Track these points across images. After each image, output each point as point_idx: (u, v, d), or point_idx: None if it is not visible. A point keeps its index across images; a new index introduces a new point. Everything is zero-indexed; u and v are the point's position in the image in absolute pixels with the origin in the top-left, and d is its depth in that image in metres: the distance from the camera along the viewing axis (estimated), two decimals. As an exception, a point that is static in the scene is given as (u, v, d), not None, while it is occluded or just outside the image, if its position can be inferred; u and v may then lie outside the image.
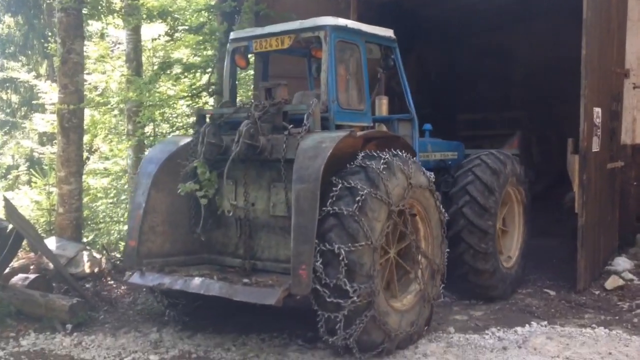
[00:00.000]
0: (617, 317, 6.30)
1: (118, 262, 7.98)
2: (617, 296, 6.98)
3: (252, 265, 5.59)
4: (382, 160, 5.18)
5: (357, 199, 4.91)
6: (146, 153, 6.23)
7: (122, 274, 7.16)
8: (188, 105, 11.15)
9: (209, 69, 9.95)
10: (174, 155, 5.84)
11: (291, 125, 5.43)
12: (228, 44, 6.38)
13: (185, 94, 10.60)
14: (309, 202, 4.76)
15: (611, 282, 7.20)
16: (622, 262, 7.68)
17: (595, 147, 7.27)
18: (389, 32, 6.39)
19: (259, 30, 6.16)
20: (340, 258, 4.78)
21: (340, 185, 5.00)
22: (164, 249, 5.79)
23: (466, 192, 6.61)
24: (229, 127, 5.88)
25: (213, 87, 10.32)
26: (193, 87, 10.42)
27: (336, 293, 4.80)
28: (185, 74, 10.29)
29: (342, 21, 5.83)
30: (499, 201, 6.76)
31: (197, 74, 10.72)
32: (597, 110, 7.27)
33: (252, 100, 6.13)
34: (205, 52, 10.17)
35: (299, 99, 6.11)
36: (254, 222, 5.66)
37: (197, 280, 5.25)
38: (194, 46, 10.18)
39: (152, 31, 11.63)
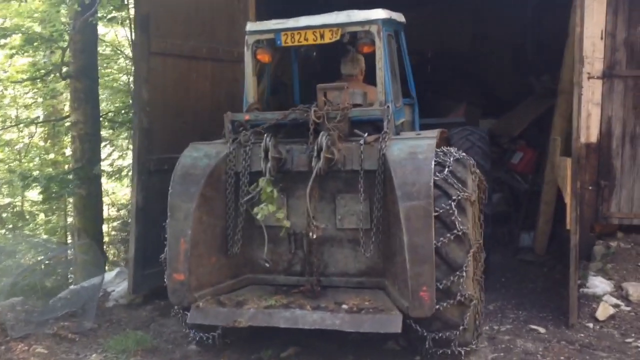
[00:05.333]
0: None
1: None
2: (615, 329, 5.79)
3: (314, 282, 5.18)
4: (461, 160, 5.03)
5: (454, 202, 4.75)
6: (177, 167, 5.22)
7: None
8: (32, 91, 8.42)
9: (62, 43, 7.44)
10: (214, 170, 5.19)
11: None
12: (247, 36, 5.72)
13: (25, 77, 7.91)
14: (423, 220, 4.55)
15: (602, 312, 5.99)
16: (599, 284, 6.52)
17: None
18: (402, 17, 6.19)
19: (290, 22, 5.53)
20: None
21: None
22: (212, 277, 5.24)
23: None
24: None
25: (66, 68, 7.82)
26: (38, 67, 7.77)
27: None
28: (27, 47, 7.61)
29: (388, 13, 5.61)
30: None
31: (43, 49, 8.07)
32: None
33: (309, 105, 5.34)
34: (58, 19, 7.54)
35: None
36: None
37: (285, 313, 4.84)
38: (42, 10, 7.50)
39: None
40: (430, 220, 4.56)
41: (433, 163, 4.71)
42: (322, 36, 5.44)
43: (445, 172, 4.84)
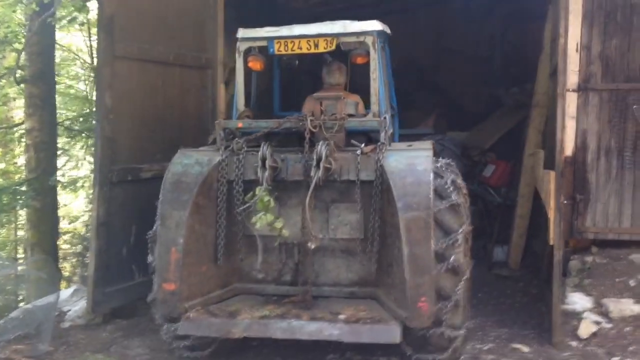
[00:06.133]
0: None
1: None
2: (598, 347, 5.63)
3: (306, 292, 5.09)
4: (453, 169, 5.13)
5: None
6: (167, 175, 5.07)
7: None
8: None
9: (17, 45, 6.96)
10: (206, 178, 5.07)
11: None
12: (238, 43, 5.69)
13: (-24, 81, 7.40)
14: (423, 231, 4.55)
15: (585, 330, 5.84)
16: (579, 300, 6.39)
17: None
18: (388, 29, 6.08)
19: (284, 31, 5.55)
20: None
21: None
22: (202, 287, 5.11)
23: None
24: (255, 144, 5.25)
25: (21, 71, 7.34)
26: (-10, 70, 7.27)
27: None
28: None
29: (381, 25, 5.66)
30: None
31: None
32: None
33: (304, 115, 5.32)
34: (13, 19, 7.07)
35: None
36: (304, 245, 5.08)
37: (281, 324, 4.75)
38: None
39: None
40: (430, 231, 4.56)
41: (432, 175, 4.71)
42: (316, 45, 5.47)
43: (444, 181, 4.89)
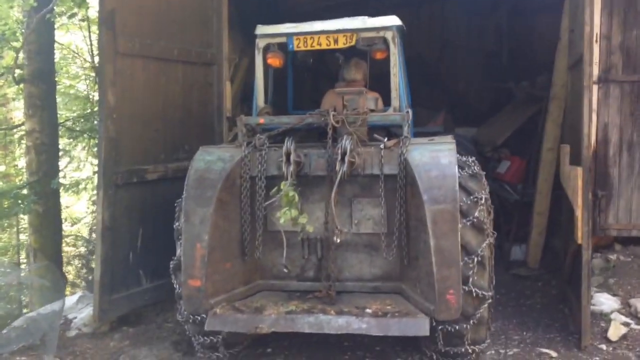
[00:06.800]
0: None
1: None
2: (629, 350, 5.38)
3: (329, 287, 5.10)
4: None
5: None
6: (190, 171, 5.06)
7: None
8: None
9: (15, 43, 6.69)
10: (230, 174, 5.06)
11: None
12: (257, 39, 5.69)
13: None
14: (449, 224, 4.53)
15: (614, 332, 5.60)
16: (605, 300, 6.14)
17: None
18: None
19: (305, 27, 5.55)
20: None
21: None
22: (227, 283, 5.09)
23: None
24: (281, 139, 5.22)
25: (19, 71, 7.07)
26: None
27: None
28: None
29: (399, 20, 5.61)
30: None
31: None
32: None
33: (326, 110, 5.28)
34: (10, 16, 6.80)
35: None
36: (328, 241, 5.12)
37: (309, 318, 4.76)
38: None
39: None
40: (457, 224, 4.55)
41: (456, 167, 4.70)
42: (336, 41, 5.49)
43: (468, 173, 4.96)
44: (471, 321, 4.75)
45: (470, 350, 4.89)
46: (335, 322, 4.70)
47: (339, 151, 4.92)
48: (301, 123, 5.30)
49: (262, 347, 5.66)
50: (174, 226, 5.35)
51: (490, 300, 4.86)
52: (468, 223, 4.73)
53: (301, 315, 4.79)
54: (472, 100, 12.67)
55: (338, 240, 4.97)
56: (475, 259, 4.72)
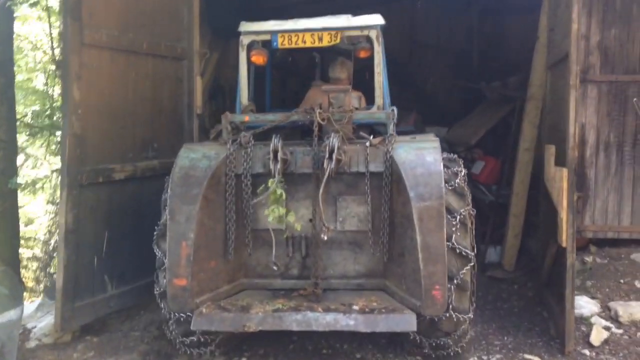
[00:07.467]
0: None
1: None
2: (612, 355, 5.31)
3: (315, 285, 5.07)
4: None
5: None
6: (174, 169, 4.97)
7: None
8: None
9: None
10: (215, 172, 5.00)
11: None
12: (241, 36, 5.67)
13: None
14: (436, 220, 4.58)
15: (596, 336, 5.52)
16: (585, 304, 6.07)
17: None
18: None
19: (289, 24, 5.55)
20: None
21: None
22: (211, 282, 5.03)
23: None
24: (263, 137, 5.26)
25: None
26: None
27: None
28: None
29: (383, 19, 5.58)
30: None
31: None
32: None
33: (311, 108, 5.24)
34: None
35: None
36: (313, 238, 5.12)
37: (296, 316, 4.71)
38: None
39: None
40: (443, 220, 4.59)
41: (442, 165, 4.74)
42: (320, 39, 5.47)
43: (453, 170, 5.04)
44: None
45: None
46: (323, 320, 4.66)
47: (327, 149, 4.87)
48: (287, 120, 5.26)
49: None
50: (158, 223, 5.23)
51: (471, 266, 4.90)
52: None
53: (288, 313, 4.74)
54: (443, 100, 12.62)
55: (325, 238, 4.92)
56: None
